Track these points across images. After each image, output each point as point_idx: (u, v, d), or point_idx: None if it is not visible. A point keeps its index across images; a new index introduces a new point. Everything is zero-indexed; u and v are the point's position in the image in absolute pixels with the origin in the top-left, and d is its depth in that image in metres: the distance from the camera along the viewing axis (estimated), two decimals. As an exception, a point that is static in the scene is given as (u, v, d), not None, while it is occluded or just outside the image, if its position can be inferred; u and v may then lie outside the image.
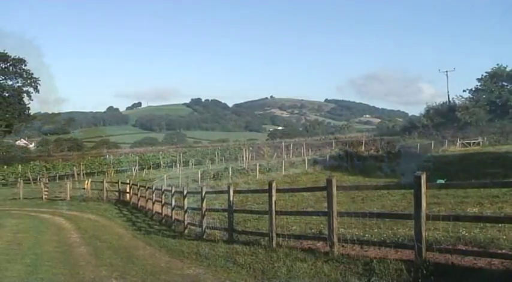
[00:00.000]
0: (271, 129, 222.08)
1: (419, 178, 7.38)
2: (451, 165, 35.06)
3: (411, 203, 8.02)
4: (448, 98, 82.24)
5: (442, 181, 15.82)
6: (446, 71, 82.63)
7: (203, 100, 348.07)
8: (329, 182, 8.96)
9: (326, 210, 9.12)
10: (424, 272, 6.87)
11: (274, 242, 10.21)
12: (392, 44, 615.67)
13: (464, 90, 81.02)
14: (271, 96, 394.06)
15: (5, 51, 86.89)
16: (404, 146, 58.98)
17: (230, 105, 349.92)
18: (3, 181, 55.08)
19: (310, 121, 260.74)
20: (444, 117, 74.56)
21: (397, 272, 7.21)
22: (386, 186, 15.16)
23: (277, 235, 10.29)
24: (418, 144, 56.43)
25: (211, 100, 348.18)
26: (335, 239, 8.71)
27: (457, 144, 62.07)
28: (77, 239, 15.33)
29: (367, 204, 17.39)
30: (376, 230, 10.47)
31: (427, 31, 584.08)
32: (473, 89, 78.36)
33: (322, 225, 11.60)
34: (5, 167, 65.08)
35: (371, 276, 7.27)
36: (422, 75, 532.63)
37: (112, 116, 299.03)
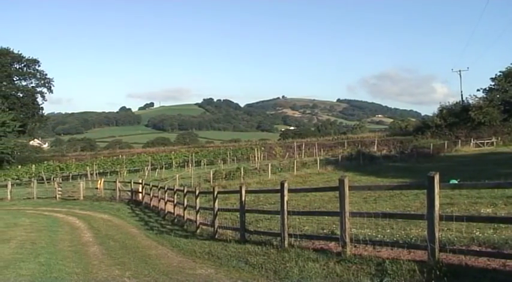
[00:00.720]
0: (283, 129, 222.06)
1: (433, 178, 7.33)
2: (464, 165, 34.78)
3: (424, 204, 7.97)
4: (462, 98, 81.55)
5: (455, 181, 15.71)
6: (460, 71, 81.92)
7: (215, 100, 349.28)
8: (341, 182, 8.93)
9: (338, 210, 9.08)
10: (437, 272, 6.82)
11: (286, 242, 10.19)
12: (404, 43, 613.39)
13: (478, 90, 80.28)
14: (283, 96, 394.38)
15: (20, 52, 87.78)
16: (417, 146, 58.53)
17: (242, 105, 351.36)
18: (17, 181, 55.65)
19: (322, 121, 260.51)
20: (457, 117, 73.84)
21: (410, 272, 7.16)
22: (399, 186, 15.03)
23: (289, 235, 10.26)
24: (431, 144, 56.00)
25: (223, 100, 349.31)
26: (347, 239, 8.67)
27: (471, 144, 61.54)
28: (90, 238, 15.43)
29: (379, 204, 17.30)
30: (388, 231, 10.43)
31: (440, 30, 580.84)
32: (487, 88, 77.57)
33: (334, 226, 11.57)
34: (19, 166, 65.84)
35: (384, 276, 7.22)
36: (435, 74, 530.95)
37: (125, 116, 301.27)
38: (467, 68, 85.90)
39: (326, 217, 13.04)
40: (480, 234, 9.21)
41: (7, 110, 73.16)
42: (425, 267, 7.16)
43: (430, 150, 53.44)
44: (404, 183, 19.00)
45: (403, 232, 10.28)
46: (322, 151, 70.70)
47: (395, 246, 8.37)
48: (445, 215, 7.73)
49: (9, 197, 36.37)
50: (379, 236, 9.85)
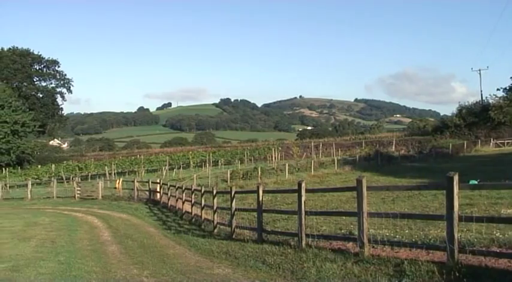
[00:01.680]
0: (300, 129, 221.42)
1: (452, 179, 7.26)
2: (484, 165, 34.37)
3: (443, 204, 7.89)
4: (481, 97, 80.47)
5: (475, 182, 15.53)
6: (479, 70, 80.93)
7: (232, 100, 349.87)
8: (359, 182, 8.89)
9: (356, 210, 9.04)
10: (457, 274, 6.76)
11: (303, 242, 10.17)
12: (423, 42, 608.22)
13: (498, 89, 79.00)
14: (300, 96, 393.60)
15: (39, 53, 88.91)
16: (436, 146, 57.96)
17: (259, 105, 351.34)
18: (37, 180, 56.26)
19: (339, 121, 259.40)
20: (477, 116, 72.94)
21: (429, 273, 7.10)
22: (418, 186, 14.93)
23: (307, 235, 10.24)
24: (450, 144, 55.40)
25: (241, 100, 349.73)
26: (365, 240, 8.62)
27: (491, 144, 60.82)
28: (108, 237, 15.55)
29: (397, 204, 17.16)
30: (407, 231, 10.35)
31: (459, 29, 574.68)
32: (508, 87, 76.41)
33: (352, 226, 11.52)
34: (39, 166, 66.58)
35: (402, 277, 7.18)
36: (454, 74, 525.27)
37: (143, 116, 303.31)
38: (487, 67, 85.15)
39: (344, 217, 12.99)
40: (500, 236, 9.10)
41: (27, 110, 74.08)
42: (444, 268, 7.10)
43: (449, 150, 52.85)
44: (422, 184, 18.84)
45: (421, 233, 10.19)
46: (339, 151, 70.32)
47: (413, 247, 8.31)
48: (464, 216, 7.66)
49: (29, 196, 36.87)
50: (397, 236, 9.79)
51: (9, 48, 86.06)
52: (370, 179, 21.63)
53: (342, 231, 11.84)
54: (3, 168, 63.34)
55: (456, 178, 7.26)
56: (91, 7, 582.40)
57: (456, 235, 7.26)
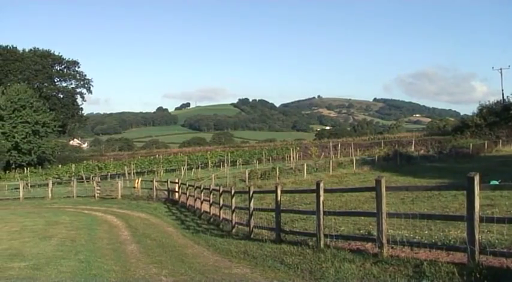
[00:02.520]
0: (318, 129, 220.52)
1: (473, 179, 7.18)
2: (505, 165, 33.89)
3: (463, 205, 7.82)
4: (503, 96, 79.21)
5: (496, 182, 15.34)
6: (501, 69, 79.87)
7: (250, 100, 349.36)
8: (378, 182, 8.83)
9: (375, 211, 8.99)
10: (477, 275, 6.67)
11: (321, 243, 10.14)
12: (442, 41, 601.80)
13: (519, 88, 78.09)
14: (318, 96, 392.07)
15: (60, 54, 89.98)
16: (456, 146, 57.25)
17: (277, 105, 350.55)
18: (58, 180, 56.94)
19: (358, 121, 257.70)
20: (498, 116, 71.85)
21: (449, 275, 7.03)
22: (438, 187, 14.81)
23: (325, 235, 10.21)
24: (471, 144, 54.67)
25: (259, 100, 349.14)
26: (384, 240, 8.57)
27: (512, 144, 59.91)
28: (127, 236, 15.67)
29: (417, 205, 17.02)
30: (426, 232, 10.25)
31: (479, 27, 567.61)
32: (530, 86, 75.38)
33: (371, 226, 11.45)
34: (60, 166, 67.44)
35: (421, 278, 7.12)
36: (475, 73, 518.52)
37: (161, 117, 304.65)
38: (509, 66, 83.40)
39: (362, 218, 12.92)
40: (522, 237, 8.96)
41: (48, 110, 75.04)
42: (464, 269, 7.03)
43: (469, 150, 52.14)
44: (442, 184, 18.69)
45: (441, 234, 10.09)
46: (358, 151, 69.96)
47: (433, 248, 8.23)
48: (485, 217, 7.56)
49: (50, 195, 37.31)
50: (416, 237, 9.71)
51: (31, 50, 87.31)
52: (389, 179, 21.48)
53: (361, 231, 11.77)
54: (25, 168, 64.30)
55: (477, 178, 7.18)
56: (110, 9, 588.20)
57: (477, 236, 7.18)
